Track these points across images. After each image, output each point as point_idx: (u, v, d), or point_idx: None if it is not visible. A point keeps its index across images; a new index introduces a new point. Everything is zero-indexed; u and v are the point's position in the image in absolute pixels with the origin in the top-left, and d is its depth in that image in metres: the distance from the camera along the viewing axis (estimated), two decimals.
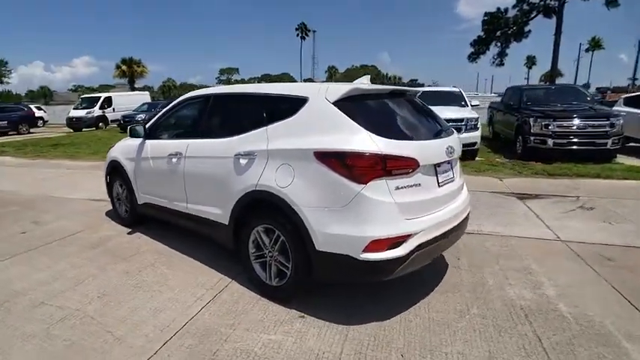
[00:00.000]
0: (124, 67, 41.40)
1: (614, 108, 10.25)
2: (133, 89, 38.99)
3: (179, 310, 2.74)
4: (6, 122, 18.45)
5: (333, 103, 2.56)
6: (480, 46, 31.28)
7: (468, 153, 8.76)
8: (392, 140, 2.43)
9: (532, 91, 10.55)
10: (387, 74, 77.63)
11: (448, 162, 2.86)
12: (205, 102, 3.54)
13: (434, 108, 10.09)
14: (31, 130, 19.64)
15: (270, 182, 2.65)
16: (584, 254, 3.63)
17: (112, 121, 20.79)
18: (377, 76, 77.31)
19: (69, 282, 3.16)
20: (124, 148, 4.35)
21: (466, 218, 3.09)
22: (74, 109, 21.29)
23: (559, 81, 35.74)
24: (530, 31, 29.40)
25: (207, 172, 3.21)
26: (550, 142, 8.22)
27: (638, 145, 9.62)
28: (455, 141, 2.97)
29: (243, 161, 2.88)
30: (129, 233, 4.29)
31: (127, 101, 22.00)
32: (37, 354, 2.28)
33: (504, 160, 8.70)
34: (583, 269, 3.36)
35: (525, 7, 28.31)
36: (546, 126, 8.26)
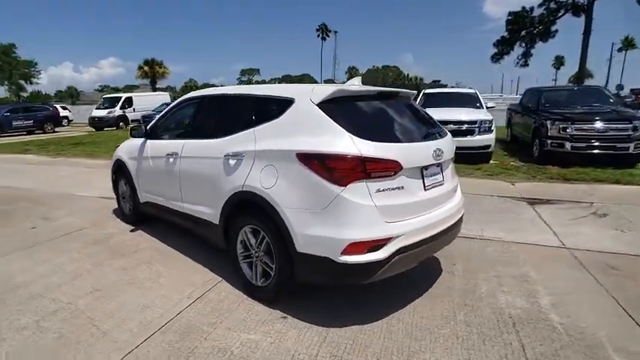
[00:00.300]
0: (145, 68, 42.46)
1: None
2: (155, 90, 39.93)
3: (166, 307, 2.80)
4: (32, 121, 19.24)
5: (317, 105, 2.56)
6: (503, 47, 30.49)
7: (482, 156, 8.57)
8: (374, 142, 2.40)
9: (551, 93, 10.20)
10: (407, 75, 76.67)
11: (437, 165, 2.81)
12: (200, 103, 3.61)
13: (446, 110, 9.93)
14: (56, 129, 20.36)
15: (256, 183, 2.68)
16: (587, 262, 3.49)
17: (133, 120, 21.36)
18: (398, 77, 76.61)
19: (67, 276, 3.27)
20: (127, 148, 4.48)
21: (457, 222, 3.02)
22: (96, 108, 21.97)
23: (589, 82, 34.39)
24: (557, 30, 28.46)
25: (200, 171, 3.27)
26: (568, 145, 7.92)
27: None
28: (445, 143, 2.90)
29: (232, 162, 2.92)
30: (131, 231, 4.41)
31: (147, 101, 22.59)
32: (26, 345, 2.37)
33: (519, 164, 8.45)
34: (584, 278, 3.23)
35: (552, 5, 27.40)
36: (564, 129, 7.97)
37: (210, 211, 3.18)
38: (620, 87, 37.93)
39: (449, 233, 2.90)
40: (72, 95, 69.96)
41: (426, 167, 2.68)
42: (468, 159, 8.47)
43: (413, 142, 2.71)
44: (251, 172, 2.74)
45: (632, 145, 7.62)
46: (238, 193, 2.82)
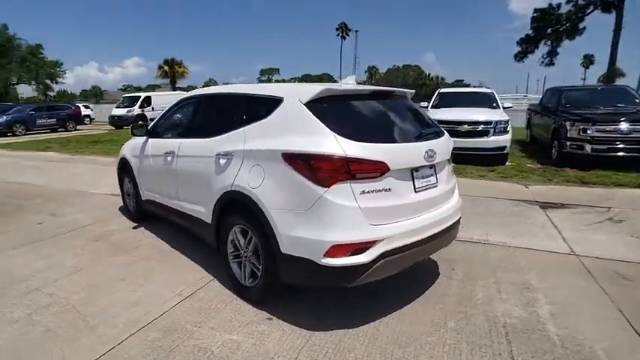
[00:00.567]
0: (165, 68, 43.34)
1: None
2: (175, 89, 40.65)
3: (155, 304, 2.82)
4: (55, 120, 19.92)
5: (305, 104, 2.51)
6: (527, 45, 29.53)
7: (497, 158, 8.33)
8: (359, 143, 2.34)
9: (572, 92, 9.79)
10: (429, 74, 75.27)
11: (430, 167, 2.72)
12: (197, 102, 3.63)
13: (461, 110, 9.67)
14: (78, 127, 20.96)
15: (244, 183, 2.66)
16: (596, 270, 3.32)
17: (151, 119, 21.81)
18: (418, 76, 75.43)
19: (65, 271, 3.35)
20: (131, 146, 4.56)
21: (453, 225, 2.93)
22: (116, 107, 22.41)
23: (620, 82, 32.96)
24: (585, 28, 27.36)
25: (194, 170, 3.28)
26: (588, 147, 7.59)
27: None
28: (440, 144, 2.80)
29: (222, 161, 2.91)
30: (134, 228, 4.48)
31: (165, 101, 22.87)
32: (15, 338, 2.43)
33: (536, 166, 8.16)
34: (589, 287, 3.07)
35: (581, 1, 26.36)
36: (584, 130, 7.64)
37: (203, 210, 3.19)
38: None
39: (443, 237, 2.80)
40: (96, 94, 72.14)
41: (416, 169, 2.59)
42: (483, 161, 8.25)
43: (403, 142, 2.62)
44: (240, 172, 2.72)
45: None
46: (228, 192, 2.81)
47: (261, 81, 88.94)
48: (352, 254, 2.29)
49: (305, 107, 2.50)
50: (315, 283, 2.53)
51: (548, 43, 28.90)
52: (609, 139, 7.46)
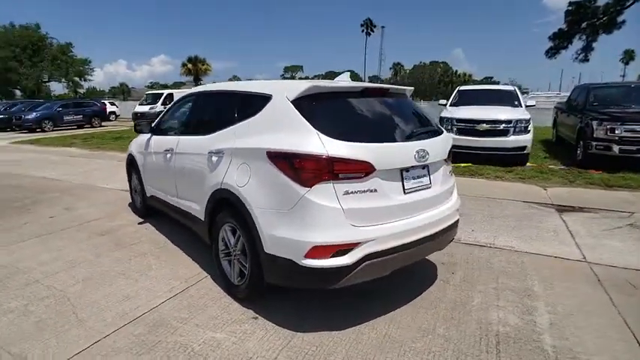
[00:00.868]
0: (189, 66, 44.15)
1: None
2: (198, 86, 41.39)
3: (146, 299, 2.85)
4: (81, 116, 20.68)
5: (292, 102, 2.47)
6: (560, 40, 28.12)
7: (517, 158, 8.01)
8: (344, 142, 2.28)
9: (601, 90, 9.26)
10: (456, 71, 73.48)
11: (422, 167, 2.62)
12: (195, 100, 3.65)
13: (480, 108, 9.35)
14: (103, 124, 21.69)
15: (232, 181, 2.65)
16: (606, 279, 3.13)
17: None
18: (445, 73, 73.83)
19: (66, 264, 3.44)
20: (137, 143, 4.64)
21: (448, 229, 2.81)
22: (139, 104, 22.80)
23: None
24: (624, 21, 25.80)
25: (190, 168, 3.30)
26: (616, 148, 7.17)
27: None
28: (434, 144, 2.69)
29: (214, 159, 2.91)
30: (139, 223, 4.57)
31: None
32: (6, 327, 2.51)
33: (559, 168, 7.79)
34: (597, 296, 2.89)
35: None
36: (612, 130, 7.22)
37: (197, 207, 3.21)
38: None
39: (437, 240, 2.70)
40: (123, 91, 74.50)
41: (406, 169, 2.50)
42: (503, 161, 7.96)
43: (391, 141, 2.53)
44: (229, 170, 2.72)
45: None
46: (218, 190, 2.81)
47: (284, 78, 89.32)
48: (334, 256, 2.23)
49: (291, 104, 2.46)
50: (298, 284, 2.49)
51: (583, 37, 27.48)
52: (639, 140, 7.02)
